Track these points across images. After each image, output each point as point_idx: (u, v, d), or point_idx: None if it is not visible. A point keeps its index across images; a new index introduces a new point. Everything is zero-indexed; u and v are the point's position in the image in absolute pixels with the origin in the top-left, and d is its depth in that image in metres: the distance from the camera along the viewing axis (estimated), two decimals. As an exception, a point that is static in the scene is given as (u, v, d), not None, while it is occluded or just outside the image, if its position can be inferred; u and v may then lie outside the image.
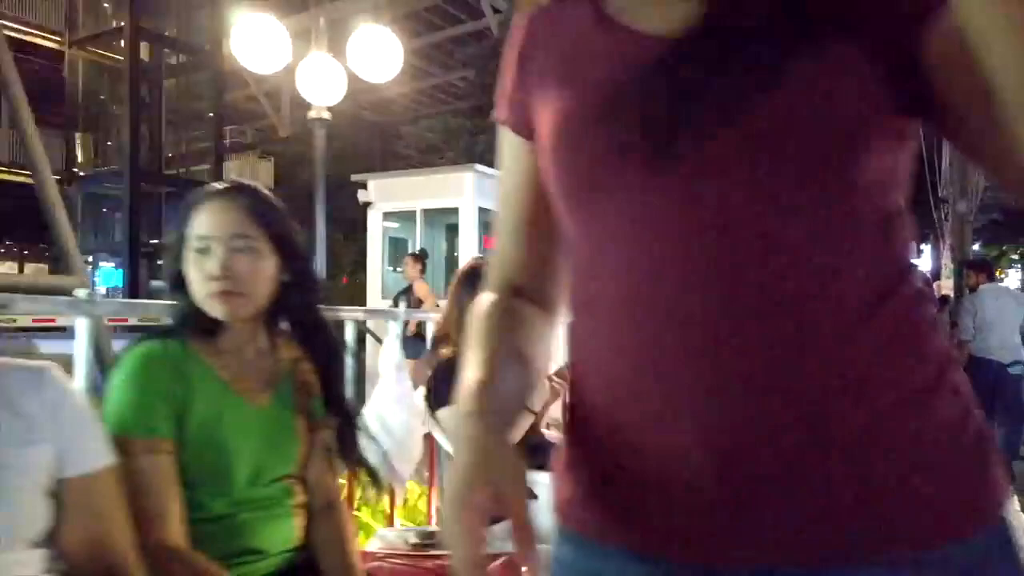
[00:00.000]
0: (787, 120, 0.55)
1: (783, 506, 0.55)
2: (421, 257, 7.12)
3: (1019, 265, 41.78)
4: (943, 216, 17.62)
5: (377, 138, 23.99)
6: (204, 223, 1.26)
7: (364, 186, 7.91)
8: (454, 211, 7.59)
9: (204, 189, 1.32)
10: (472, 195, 7.31)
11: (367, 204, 7.84)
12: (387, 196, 7.78)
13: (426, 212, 7.81)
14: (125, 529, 1.07)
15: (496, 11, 28.44)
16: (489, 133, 15.78)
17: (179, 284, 1.30)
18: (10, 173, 19.65)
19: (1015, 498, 0.59)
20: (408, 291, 6.70)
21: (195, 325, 1.29)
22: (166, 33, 21.96)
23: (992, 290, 6.14)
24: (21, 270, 28.15)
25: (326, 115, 4.12)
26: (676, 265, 0.57)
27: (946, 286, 15.48)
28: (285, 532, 1.31)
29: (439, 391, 2.19)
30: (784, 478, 0.55)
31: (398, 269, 8.05)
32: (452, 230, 8.53)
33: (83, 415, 1.06)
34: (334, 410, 1.43)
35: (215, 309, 1.25)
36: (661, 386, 0.58)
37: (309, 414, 1.39)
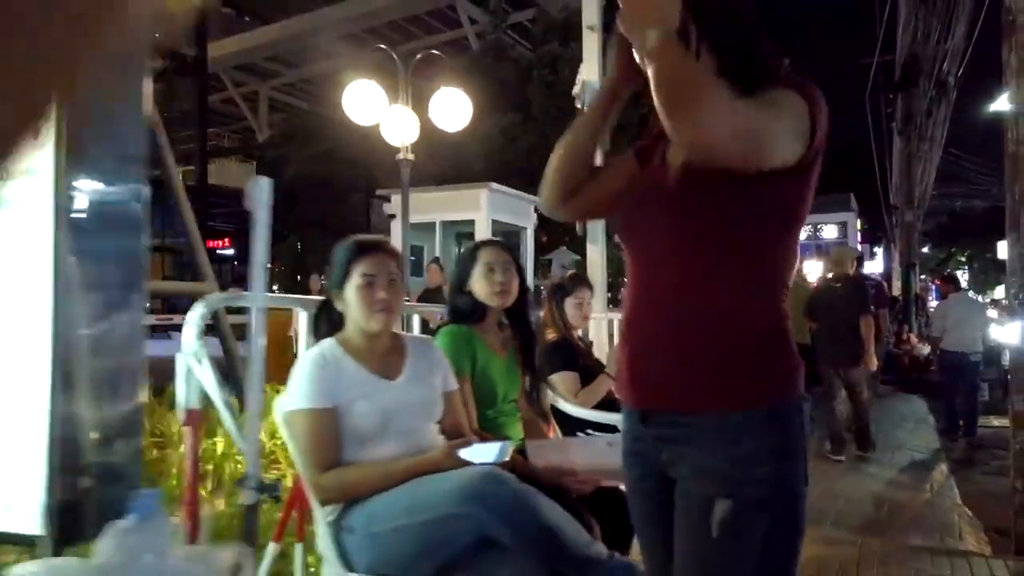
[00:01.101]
0: (691, 228, 1.20)
1: (671, 386, 1.23)
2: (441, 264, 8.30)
3: (966, 266, 44.01)
4: (893, 222, 19.07)
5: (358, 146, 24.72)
6: (491, 256, 2.31)
7: (388, 200, 8.92)
8: (470, 223, 8.63)
9: (484, 240, 2.39)
10: (487, 210, 8.36)
11: (391, 216, 8.85)
12: (410, 210, 8.77)
13: (444, 224, 8.83)
14: (467, 420, 2.11)
15: (473, 21, 29.12)
16: (476, 144, 16.71)
17: (462, 289, 2.35)
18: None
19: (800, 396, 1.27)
20: (438, 291, 7.78)
21: (472, 314, 2.34)
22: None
23: (958, 298, 7.91)
24: None
25: (411, 156, 5.17)
26: (646, 284, 1.26)
27: (896, 287, 16.93)
28: (517, 429, 2.38)
29: (547, 362, 3.25)
30: (669, 371, 1.22)
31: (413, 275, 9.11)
32: (460, 238, 9.60)
33: (447, 362, 2.11)
34: (528, 367, 2.49)
35: (495, 302, 2.31)
36: (634, 331, 1.28)
37: (519, 367, 2.46)
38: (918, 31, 13.59)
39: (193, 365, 1.85)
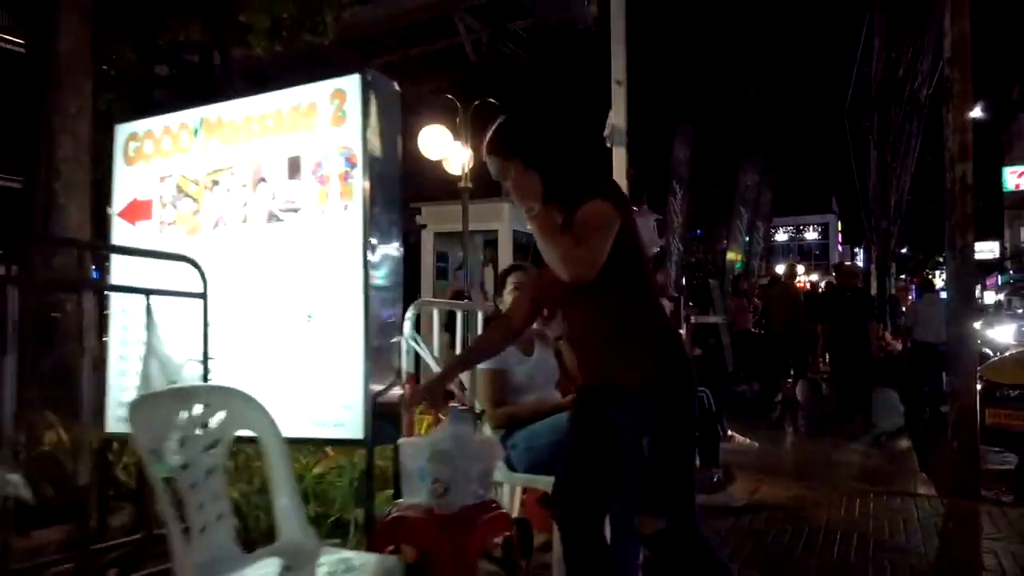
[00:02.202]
0: (596, 301, 1.98)
1: (598, 375, 2.07)
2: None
3: (944, 266, 45.65)
4: (872, 225, 20.28)
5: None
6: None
7: (419, 211, 9.97)
8: (493, 232, 9.70)
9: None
10: (508, 220, 9.41)
11: (422, 226, 9.91)
12: (438, 220, 9.82)
13: (469, 233, 9.88)
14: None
15: (470, 30, 30.11)
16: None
17: None
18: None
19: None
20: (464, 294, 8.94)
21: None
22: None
23: (928, 298, 9.56)
24: (8, 272, 28.92)
25: (469, 184, 6.29)
26: (576, 328, 2.17)
27: (872, 286, 18.19)
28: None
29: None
30: (598, 369, 2.08)
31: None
32: (484, 245, 10.72)
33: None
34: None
35: None
36: (573, 347, 2.42)
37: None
38: (891, 55, 14.80)
39: (412, 345, 2.94)
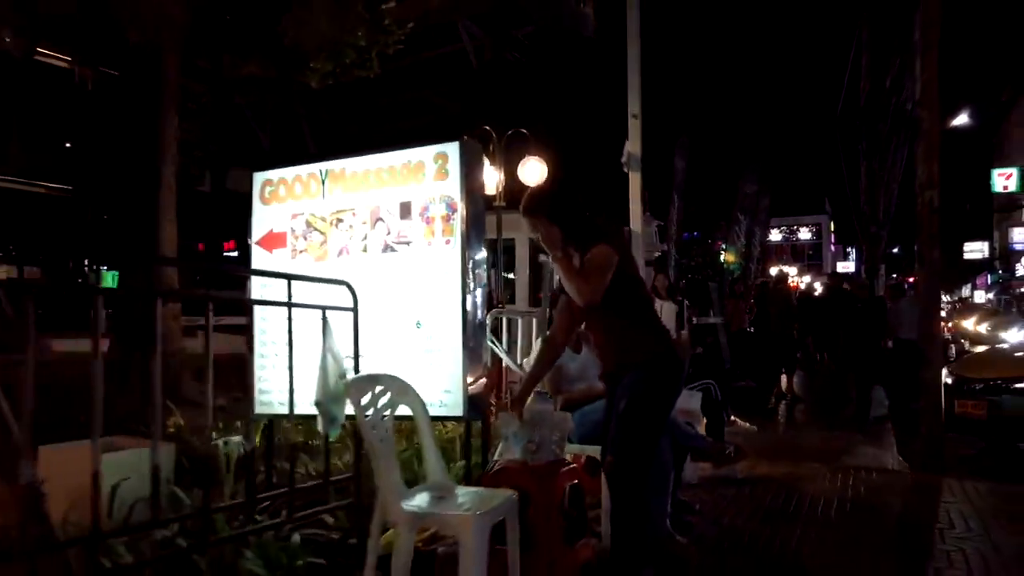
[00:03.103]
0: (605, 315, 2.92)
1: (611, 363, 3.00)
2: (487, 273, 10.36)
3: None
4: (862, 228, 21.16)
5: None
6: None
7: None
8: (511, 240, 10.55)
9: None
10: (526, 228, 10.30)
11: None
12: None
13: (488, 241, 10.73)
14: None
15: (472, 37, 30.82)
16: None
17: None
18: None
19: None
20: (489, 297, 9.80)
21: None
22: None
23: (907, 300, 10.53)
24: (21, 274, 29.60)
25: (502, 203, 7.14)
26: (595, 333, 3.12)
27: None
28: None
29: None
30: (611, 360, 3.01)
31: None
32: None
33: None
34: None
35: None
36: (597, 347, 3.17)
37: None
38: (879, 72, 15.71)
39: (492, 346, 3.78)
